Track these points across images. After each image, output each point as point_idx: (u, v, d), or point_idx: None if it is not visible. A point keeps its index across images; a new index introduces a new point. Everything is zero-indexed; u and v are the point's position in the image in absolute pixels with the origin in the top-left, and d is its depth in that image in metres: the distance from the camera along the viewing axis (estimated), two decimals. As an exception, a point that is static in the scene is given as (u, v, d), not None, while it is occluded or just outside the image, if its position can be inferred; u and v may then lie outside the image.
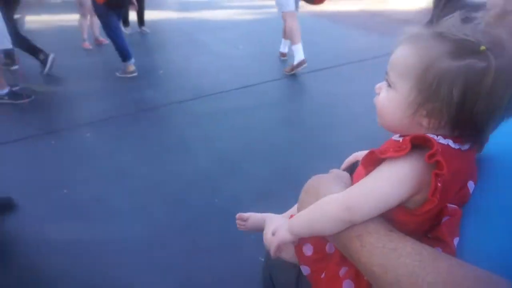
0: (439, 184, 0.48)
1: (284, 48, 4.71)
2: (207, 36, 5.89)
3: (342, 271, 0.63)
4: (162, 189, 2.22)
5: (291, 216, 0.71)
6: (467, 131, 0.52)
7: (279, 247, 0.66)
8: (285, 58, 4.73)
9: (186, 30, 6.20)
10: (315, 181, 0.68)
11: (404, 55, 0.54)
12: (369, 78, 3.90)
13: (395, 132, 0.58)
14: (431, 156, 0.48)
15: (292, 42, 4.03)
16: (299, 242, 0.69)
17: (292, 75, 3.98)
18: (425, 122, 0.53)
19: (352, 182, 0.66)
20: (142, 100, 3.54)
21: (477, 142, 0.54)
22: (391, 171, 0.52)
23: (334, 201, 0.57)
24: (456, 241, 0.52)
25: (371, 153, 0.55)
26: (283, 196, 2.00)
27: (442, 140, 0.51)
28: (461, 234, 0.53)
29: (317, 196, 0.61)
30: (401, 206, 0.53)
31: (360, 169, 0.64)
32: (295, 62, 4.00)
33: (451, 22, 0.52)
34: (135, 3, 4.85)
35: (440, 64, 0.49)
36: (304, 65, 4.00)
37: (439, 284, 0.44)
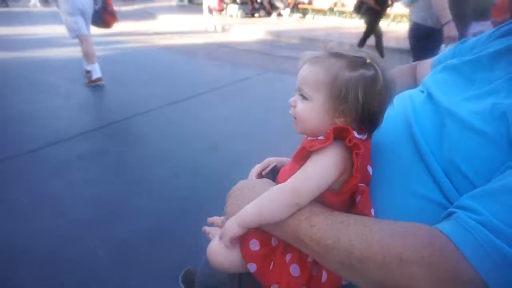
0: (358, 163, 0.62)
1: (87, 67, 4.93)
2: (51, 76, 5.28)
3: (288, 257, 0.70)
4: (31, 249, 1.88)
5: None
6: (367, 124, 0.67)
7: (231, 242, 0.70)
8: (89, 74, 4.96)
9: (22, 72, 5.41)
10: (247, 185, 0.75)
11: (313, 73, 0.68)
12: (229, 103, 4.21)
13: (314, 135, 0.69)
14: (350, 140, 0.61)
15: (89, 62, 4.62)
16: (244, 240, 0.72)
17: (153, 110, 3.97)
18: (338, 122, 0.66)
19: (279, 182, 0.73)
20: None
21: (371, 132, 0.70)
22: (323, 158, 0.63)
23: (281, 189, 0.66)
24: (372, 211, 0.65)
25: (302, 149, 0.66)
26: (180, 226, 1.99)
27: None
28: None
29: (255, 195, 0.69)
30: (329, 189, 0.65)
31: (290, 165, 0.74)
32: (93, 78, 4.67)
33: (340, 46, 0.69)
34: None
35: (342, 76, 0.64)
36: (101, 82, 4.72)
37: (385, 238, 0.53)
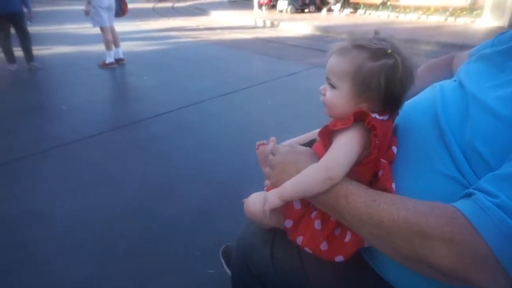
0: (376, 142, 0.69)
1: (118, 55, 5.90)
2: (110, 69, 5.70)
3: (314, 213, 0.80)
4: (94, 224, 2.09)
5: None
6: (389, 107, 0.74)
7: (271, 212, 0.77)
8: (123, 62, 5.96)
9: (85, 65, 5.89)
10: (290, 159, 0.80)
11: (339, 64, 0.74)
12: (276, 96, 4.26)
13: (341, 118, 0.74)
14: (369, 122, 0.69)
15: (108, 49, 5.64)
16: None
17: (202, 102, 4.16)
18: (363, 106, 0.73)
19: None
20: (47, 137, 3.26)
21: (394, 113, 0.77)
22: (346, 137, 0.71)
23: (318, 168, 0.73)
24: (393, 185, 0.72)
25: (325, 128, 0.75)
26: (221, 209, 2.11)
27: (372, 114, 0.72)
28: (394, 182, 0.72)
29: (297, 170, 0.75)
30: None
31: (318, 142, 0.82)
32: (107, 61, 5.68)
33: (364, 37, 0.75)
34: None
35: (366, 66, 0.71)
36: (114, 66, 5.73)
37: (410, 216, 0.59)
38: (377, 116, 0.72)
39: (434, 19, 10.45)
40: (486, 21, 8.92)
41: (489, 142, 0.61)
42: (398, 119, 0.80)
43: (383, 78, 0.70)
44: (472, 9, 9.69)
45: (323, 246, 0.77)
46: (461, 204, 0.57)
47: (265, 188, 0.89)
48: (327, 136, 0.75)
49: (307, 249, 0.79)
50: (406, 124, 0.79)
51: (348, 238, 0.75)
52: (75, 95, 4.49)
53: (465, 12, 9.93)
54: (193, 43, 8.06)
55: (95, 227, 2.07)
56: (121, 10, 5.77)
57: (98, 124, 3.56)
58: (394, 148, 0.76)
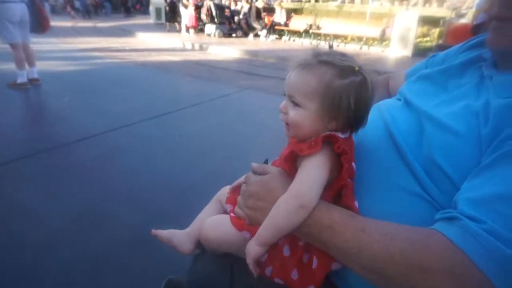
0: (346, 165, 0.68)
1: (33, 75, 5.29)
2: (22, 90, 5.15)
3: (281, 240, 0.74)
4: (9, 260, 1.81)
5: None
6: (354, 125, 0.73)
7: (255, 263, 0.72)
8: (38, 83, 5.35)
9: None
10: (265, 187, 0.75)
11: (305, 81, 0.70)
12: (209, 118, 4.21)
13: (304, 139, 0.72)
14: (338, 147, 0.67)
15: (20, 68, 4.99)
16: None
17: (130, 124, 3.95)
18: (330, 126, 0.71)
19: None
20: None
21: (356, 131, 0.75)
22: (314, 162, 0.68)
23: (287, 198, 0.68)
24: (356, 204, 0.70)
25: (291, 153, 0.71)
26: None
27: (335, 133, 0.70)
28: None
29: (275, 200, 0.70)
30: None
31: (279, 163, 0.79)
32: (18, 81, 5.02)
33: (328, 53, 0.73)
34: None
35: (334, 84, 0.68)
36: (28, 86, 5.10)
37: (407, 248, 0.57)
38: (340, 135, 0.70)
39: (351, 47, 11.41)
40: (394, 51, 10.01)
41: (448, 157, 0.63)
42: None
43: (353, 96, 0.68)
44: (382, 39, 10.81)
45: (294, 275, 0.72)
46: (447, 230, 0.56)
47: (229, 216, 0.83)
48: (292, 161, 0.71)
49: (277, 279, 0.74)
50: (360, 144, 0.78)
51: (315, 264, 0.71)
52: None
53: (376, 42, 11.03)
54: (118, 64, 7.72)
55: (5, 265, 1.79)
56: (39, 26, 5.14)
57: (11, 150, 3.16)
58: (353, 165, 0.74)
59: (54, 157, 3.10)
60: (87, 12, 21.63)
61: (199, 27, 13.87)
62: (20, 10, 4.71)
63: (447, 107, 0.71)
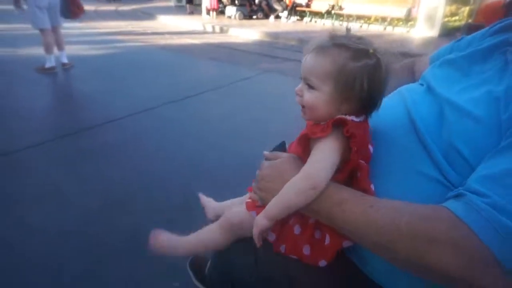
0: (355, 148, 0.69)
1: (63, 59, 5.43)
2: (50, 75, 5.28)
3: (292, 220, 0.79)
4: (35, 246, 1.89)
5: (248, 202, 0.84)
6: (368, 108, 0.74)
7: (261, 234, 0.75)
8: (67, 66, 5.45)
9: (21, 70, 5.41)
10: (276, 170, 0.78)
11: (320, 64, 0.71)
12: (229, 102, 4.20)
13: (320, 121, 0.74)
14: (347, 130, 0.68)
15: (48, 52, 5.10)
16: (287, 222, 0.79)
17: (154, 108, 4.04)
18: (344, 108, 0.72)
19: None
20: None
21: (370, 113, 0.76)
22: (325, 145, 0.70)
23: (298, 179, 0.71)
24: (372, 186, 0.72)
25: (304, 136, 0.74)
26: (183, 218, 2.03)
27: (348, 117, 0.71)
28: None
29: (284, 182, 0.73)
30: None
31: (295, 145, 0.81)
32: (46, 66, 5.15)
33: (344, 35, 0.73)
34: None
35: (348, 66, 0.69)
36: (55, 71, 5.21)
37: (413, 221, 0.59)
38: (354, 118, 0.72)
39: (375, 28, 11.11)
40: (420, 31, 9.67)
41: (468, 142, 0.64)
42: (370, 124, 0.80)
43: (366, 79, 0.69)
44: (407, 20, 10.45)
45: (306, 250, 0.76)
46: (453, 206, 0.58)
47: (245, 203, 0.87)
48: (306, 143, 0.74)
49: (291, 256, 0.78)
50: (379, 129, 0.79)
51: (327, 241, 0.74)
52: (12, 103, 4.13)
53: (401, 22, 10.68)
54: (141, 47, 7.77)
55: (36, 249, 1.88)
56: (68, 12, 5.20)
57: (42, 133, 3.28)
58: (370, 147, 0.76)
59: (81, 140, 3.20)
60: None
61: (219, 9, 13.76)
62: None
63: (469, 93, 0.71)
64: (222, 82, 5.04)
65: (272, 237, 0.80)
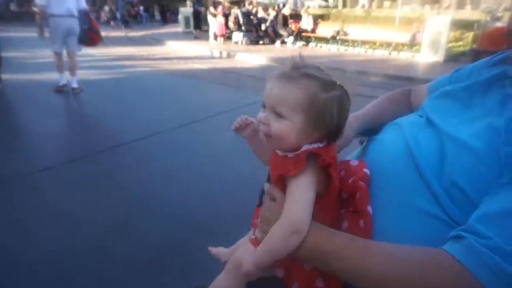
0: (335, 174, 0.71)
1: (73, 83, 5.64)
2: (60, 98, 5.49)
3: None
4: (42, 263, 1.91)
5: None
6: (333, 136, 0.74)
7: (245, 277, 0.77)
8: (76, 91, 5.65)
9: (33, 93, 5.56)
10: (272, 213, 0.77)
11: (289, 93, 0.70)
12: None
13: (286, 150, 0.74)
14: (323, 160, 0.69)
15: (58, 71, 5.62)
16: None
17: (162, 132, 4.11)
18: (313, 136, 0.72)
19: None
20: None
21: (334, 141, 0.75)
22: (301, 181, 0.69)
23: (279, 226, 0.70)
24: (369, 208, 0.72)
25: (279, 177, 0.73)
26: (188, 244, 2.02)
27: (315, 145, 0.72)
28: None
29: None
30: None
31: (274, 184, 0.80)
32: (60, 84, 5.62)
33: (307, 65, 0.73)
34: None
35: (319, 97, 0.69)
36: (66, 88, 5.62)
37: (413, 270, 0.59)
38: (319, 145, 0.72)
39: (380, 53, 11.25)
40: (424, 56, 9.77)
41: (470, 178, 0.63)
42: (368, 160, 0.80)
43: (336, 109, 0.70)
44: (412, 45, 10.59)
45: (319, 283, 0.75)
46: (453, 249, 0.57)
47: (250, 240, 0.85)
48: (282, 182, 0.73)
49: None
50: (378, 164, 0.78)
51: None
52: (28, 126, 4.22)
53: (406, 48, 10.82)
54: (150, 72, 7.99)
55: (42, 267, 1.89)
56: (88, 39, 5.59)
57: (53, 156, 3.35)
58: (366, 170, 0.76)
59: (91, 163, 3.25)
60: (125, 22, 22.36)
61: (226, 35, 14.08)
62: (65, 24, 5.22)
63: (470, 125, 0.71)
64: (229, 106, 5.12)
65: (281, 273, 0.79)
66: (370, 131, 0.99)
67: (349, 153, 0.95)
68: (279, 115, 0.70)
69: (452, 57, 9.39)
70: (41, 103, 5.14)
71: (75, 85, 5.69)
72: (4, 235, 2.14)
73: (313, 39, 13.15)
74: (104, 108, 5.04)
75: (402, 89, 1.14)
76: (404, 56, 10.70)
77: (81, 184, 2.86)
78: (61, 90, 5.63)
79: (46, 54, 6.36)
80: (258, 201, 0.94)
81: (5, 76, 5.89)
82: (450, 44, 9.89)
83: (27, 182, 2.84)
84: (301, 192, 0.69)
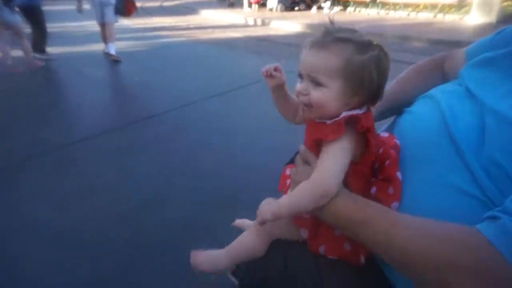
0: (373, 140, 0.70)
1: (110, 50, 5.95)
2: (99, 70, 5.64)
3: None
4: (85, 234, 2.01)
5: None
6: (374, 99, 0.72)
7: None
8: (112, 58, 5.94)
9: (74, 65, 5.77)
10: (299, 176, 0.78)
11: (325, 59, 0.69)
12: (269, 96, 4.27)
13: (326, 118, 0.72)
14: (362, 126, 0.69)
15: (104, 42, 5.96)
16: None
17: (196, 101, 4.13)
18: (352, 102, 0.71)
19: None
20: (35, 143, 3.16)
21: (374, 104, 0.74)
22: (338, 146, 0.69)
23: (310, 183, 0.70)
24: (399, 174, 0.71)
25: (316, 140, 0.73)
26: (217, 217, 2.02)
27: (354, 112, 0.71)
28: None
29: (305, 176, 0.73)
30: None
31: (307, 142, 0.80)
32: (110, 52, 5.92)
33: (340, 30, 0.71)
34: None
35: (355, 60, 0.68)
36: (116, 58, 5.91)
37: (438, 244, 0.56)
38: (359, 111, 0.71)
39: (424, 16, 10.54)
40: (474, 18, 9.03)
41: (511, 154, 0.59)
42: (400, 132, 0.78)
43: (374, 70, 0.68)
44: (460, 6, 9.80)
45: (346, 246, 0.76)
46: (486, 229, 0.54)
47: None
48: (318, 147, 0.73)
49: (331, 257, 0.77)
50: (411, 137, 0.75)
51: None
52: (64, 99, 4.41)
53: (453, 9, 10.04)
54: (184, 42, 7.97)
55: (86, 237, 1.99)
56: (124, 9, 5.82)
57: (91, 127, 3.49)
58: (397, 141, 0.76)
59: (127, 134, 3.35)
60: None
61: (261, 2, 13.72)
62: None
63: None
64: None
65: (305, 234, 0.80)
66: (393, 110, 0.96)
67: (378, 129, 0.91)
68: (317, 84, 0.70)
69: (507, 18, 8.58)
70: (82, 75, 5.33)
71: (112, 51, 5.95)
72: (46, 209, 2.23)
73: (351, 3, 12.52)
74: (140, 79, 5.11)
75: (432, 58, 1.06)
76: (451, 18, 9.95)
77: (117, 155, 2.94)
78: (113, 58, 5.94)
79: (86, 26, 6.57)
80: (288, 162, 0.94)
81: (49, 50, 6.13)
82: (505, 3, 9.03)
83: (66, 154, 2.97)
84: (337, 156, 0.69)
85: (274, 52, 6.73)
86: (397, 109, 0.91)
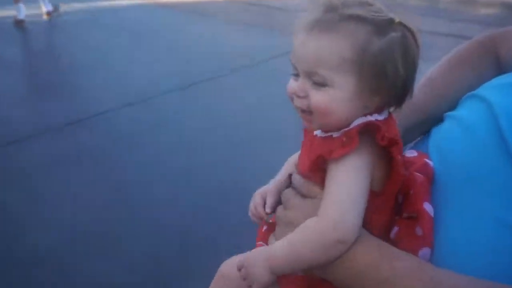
0: (399, 157, 0.53)
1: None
2: (8, 47, 4.47)
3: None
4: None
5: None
6: (398, 99, 0.56)
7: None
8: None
9: None
10: (308, 217, 0.58)
11: (329, 47, 0.52)
12: (266, 87, 3.45)
13: (337, 129, 0.55)
14: (383, 137, 0.52)
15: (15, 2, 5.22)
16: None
17: (157, 96, 3.53)
18: (371, 105, 0.54)
19: None
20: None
21: (400, 106, 0.57)
22: (353, 166, 0.53)
23: (317, 225, 0.53)
24: (427, 206, 0.55)
25: (317, 159, 0.56)
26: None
27: (371, 117, 0.54)
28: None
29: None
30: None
31: (307, 169, 0.62)
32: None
33: (352, 2, 0.53)
34: None
35: (373, 45, 0.51)
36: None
37: None
38: (378, 117, 0.53)
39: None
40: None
41: None
42: (437, 152, 0.61)
43: (400, 58, 0.51)
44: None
45: None
46: None
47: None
48: (320, 169, 0.55)
49: None
50: (453, 160, 0.59)
51: None
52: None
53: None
54: (137, 5, 6.69)
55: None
56: None
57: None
58: (429, 161, 0.58)
59: (39, 146, 2.84)
60: None
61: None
62: None
63: None
64: (252, 58, 4.21)
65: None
66: (424, 124, 0.74)
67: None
68: (319, 82, 0.52)
69: None
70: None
71: (22, 15, 5.08)
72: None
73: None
74: (68, 61, 4.25)
75: (477, 40, 0.79)
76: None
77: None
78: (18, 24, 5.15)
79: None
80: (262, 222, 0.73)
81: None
82: None
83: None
84: (351, 181, 0.52)
85: (268, 23, 5.60)
86: (432, 122, 0.72)
